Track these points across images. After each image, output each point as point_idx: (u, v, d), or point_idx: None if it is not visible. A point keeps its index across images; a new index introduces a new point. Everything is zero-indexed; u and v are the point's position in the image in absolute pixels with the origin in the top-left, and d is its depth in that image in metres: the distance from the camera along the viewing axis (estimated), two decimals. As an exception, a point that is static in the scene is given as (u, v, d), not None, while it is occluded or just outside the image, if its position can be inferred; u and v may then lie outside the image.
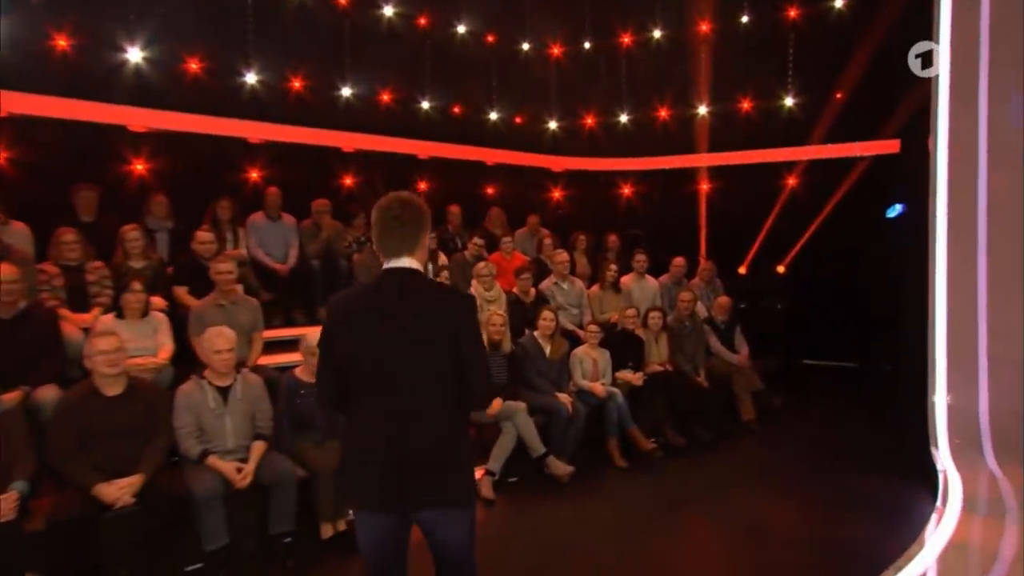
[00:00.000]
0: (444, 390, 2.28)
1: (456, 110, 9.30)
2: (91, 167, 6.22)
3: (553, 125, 10.27)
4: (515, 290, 6.97)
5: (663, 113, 9.85)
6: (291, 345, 5.30)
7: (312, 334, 4.52)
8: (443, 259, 7.39)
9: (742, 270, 9.28)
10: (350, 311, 2.34)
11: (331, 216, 7.21)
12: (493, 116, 9.72)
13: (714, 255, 8.66)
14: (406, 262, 2.34)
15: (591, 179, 10.23)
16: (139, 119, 6.63)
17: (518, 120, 9.91)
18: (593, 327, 6.39)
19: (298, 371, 4.77)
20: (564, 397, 5.90)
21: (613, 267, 7.40)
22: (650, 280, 7.72)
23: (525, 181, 9.82)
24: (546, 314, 6.13)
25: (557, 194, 10.32)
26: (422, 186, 9.09)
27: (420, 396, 2.27)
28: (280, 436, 4.54)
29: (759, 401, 7.01)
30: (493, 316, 5.85)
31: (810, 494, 5.15)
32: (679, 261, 7.84)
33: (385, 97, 8.75)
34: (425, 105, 9.03)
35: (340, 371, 2.31)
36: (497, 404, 5.54)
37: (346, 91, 8.45)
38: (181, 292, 5.62)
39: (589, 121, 10.28)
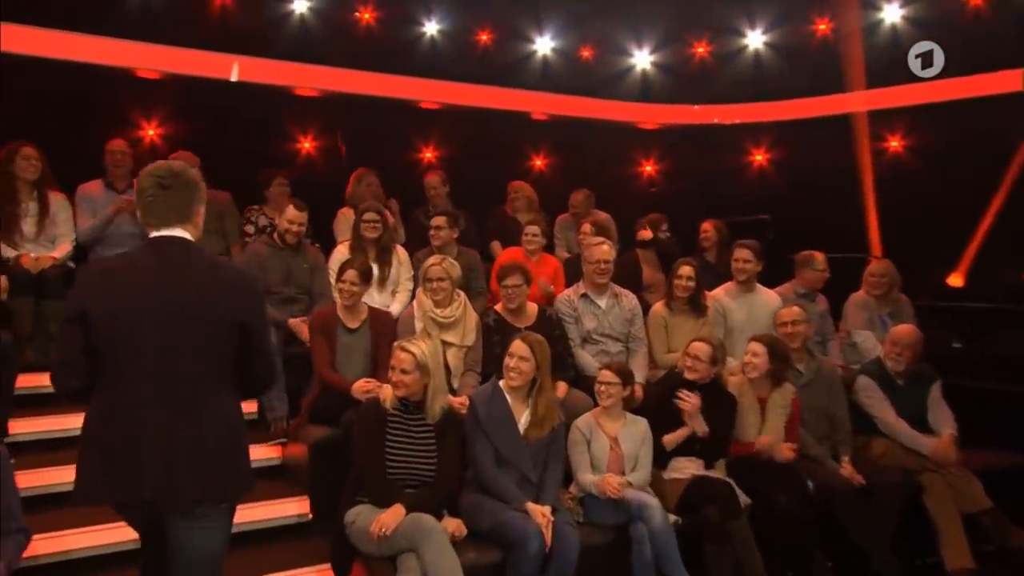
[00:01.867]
0: (215, 375, 2.42)
1: (482, 37, 7.45)
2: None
3: (641, 58, 7.97)
4: (498, 307, 4.60)
5: (821, 27, 7.52)
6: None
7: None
8: (401, 254, 5.21)
9: (954, 280, 6.68)
10: (110, 282, 2.42)
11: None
12: (541, 46, 7.64)
13: (896, 253, 6.18)
14: (178, 231, 2.43)
15: (701, 139, 8.01)
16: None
17: (585, 52, 7.84)
18: (608, 375, 4.05)
19: None
20: (541, 511, 3.59)
21: (687, 270, 4.95)
22: (765, 294, 5.21)
23: (594, 144, 7.75)
24: (517, 346, 3.80)
25: (648, 165, 8.15)
26: (427, 152, 7.25)
27: (186, 381, 2.37)
28: None
29: (983, 532, 4.44)
30: (399, 352, 3.52)
31: None
32: (812, 260, 5.25)
33: (366, 16, 6.96)
34: (429, 30, 7.18)
35: (90, 351, 2.35)
36: (394, 516, 3.37)
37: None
38: None
39: (700, 50, 8.05)
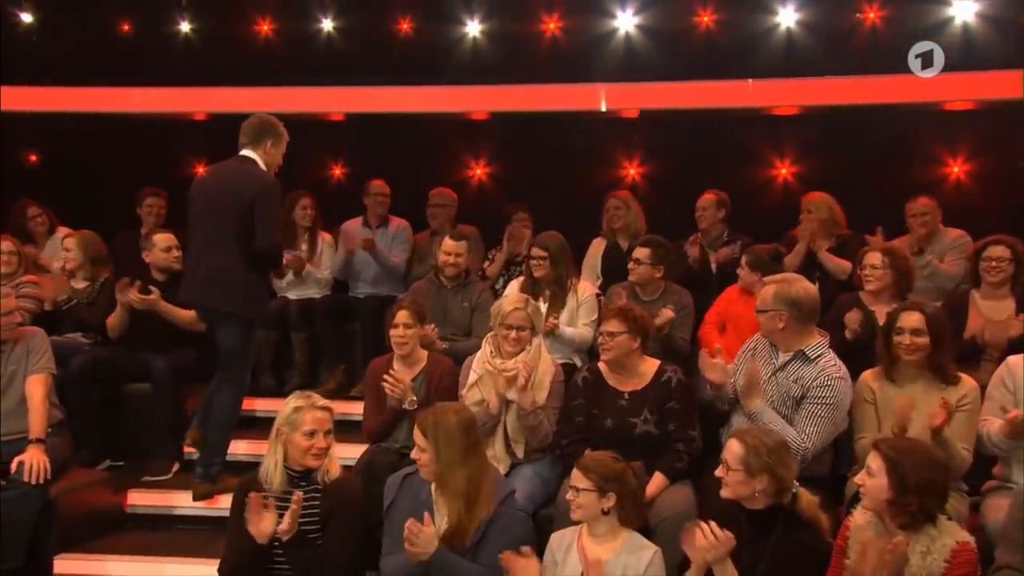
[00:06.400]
0: (234, 234, 3.62)
1: (869, 15, 5.55)
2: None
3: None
4: (601, 363, 3.50)
5: None
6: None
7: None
8: (583, 292, 4.36)
9: None
10: (199, 180, 4.09)
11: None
12: (960, 12, 5.41)
13: None
14: (246, 151, 3.77)
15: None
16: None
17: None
18: (577, 478, 2.77)
19: None
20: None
21: (914, 319, 3.13)
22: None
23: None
24: (416, 434, 2.85)
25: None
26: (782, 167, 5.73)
27: (216, 235, 3.65)
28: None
29: None
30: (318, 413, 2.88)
31: None
32: None
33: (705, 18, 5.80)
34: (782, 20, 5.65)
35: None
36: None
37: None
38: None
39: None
